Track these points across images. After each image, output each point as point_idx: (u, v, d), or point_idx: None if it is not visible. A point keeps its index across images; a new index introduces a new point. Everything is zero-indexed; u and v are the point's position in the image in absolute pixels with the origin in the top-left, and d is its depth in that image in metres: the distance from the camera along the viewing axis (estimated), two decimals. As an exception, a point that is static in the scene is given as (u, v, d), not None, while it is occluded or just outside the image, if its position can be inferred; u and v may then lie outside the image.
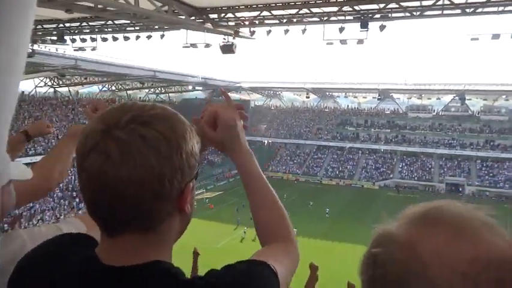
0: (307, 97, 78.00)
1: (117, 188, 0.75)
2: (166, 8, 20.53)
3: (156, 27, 25.02)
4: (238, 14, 22.82)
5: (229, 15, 22.91)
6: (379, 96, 71.74)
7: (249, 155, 1.20)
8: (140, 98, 74.16)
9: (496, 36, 15.77)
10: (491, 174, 57.32)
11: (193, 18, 22.57)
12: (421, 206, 0.66)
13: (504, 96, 68.06)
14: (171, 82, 65.00)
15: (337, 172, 63.09)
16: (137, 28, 25.69)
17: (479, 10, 15.69)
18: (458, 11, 16.08)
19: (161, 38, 25.47)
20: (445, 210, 0.63)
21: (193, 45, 24.50)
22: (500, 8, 15.56)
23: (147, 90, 72.81)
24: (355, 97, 79.82)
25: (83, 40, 26.52)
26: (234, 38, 24.13)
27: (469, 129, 64.88)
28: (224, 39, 24.31)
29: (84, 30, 26.01)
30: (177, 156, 0.79)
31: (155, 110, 0.82)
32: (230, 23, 23.94)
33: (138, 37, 26.04)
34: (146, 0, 17.98)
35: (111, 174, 0.74)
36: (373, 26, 18.88)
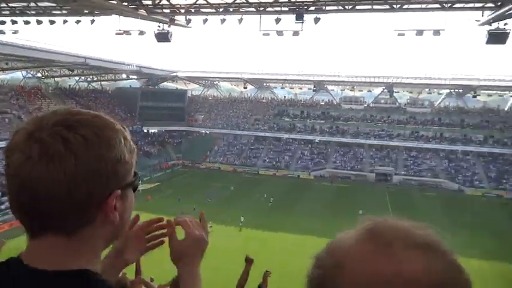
0: (245, 88, 78.22)
1: (34, 187, 0.77)
2: (96, -10, 19.41)
3: (86, 11, 23.55)
4: (173, 1, 22.14)
5: (164, 2, 22.16)
6: (314, 87, 73.91)
7: (199, 277, 1.22)
8: (70, 86, 70.00)
9: (420, 33, 16.87)
10: (416, 164, 61.62)
11: (125, 3, 21.53)
12: (371, 219, 0.70)
13: (427, 90, 73.33)
14: (103, 70, 61.82)
15: (274, 163, 64.26)
16: (64, 12, 23.94)
17: (406, 6, 16.66)
18: (387, 7, 16.95)
19: (91, 23, 23.98)
20: (381, 226, 0.66)
21: (127, 32, 23.36)
22: (424, 5, 16.70)
23: (77, 78, 68.70)
24: (292, 88, 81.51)
25: (2, 22, 24.25)
26: (169, 26, 23.38)
27: (397, 120, 69.13)
28: (159, 26, 23.47)
29: (3, 12, 23.79)
30: (97, 162, 0.80)
31: (84, 116, 0.84)
32: (165, 10, 23.17)
33: (65, 21, 24.33)
34: (73, -18, 16.87)
35: (29, 173, 0.76)
36: (309, 18, 19.28)
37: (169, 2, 22.12)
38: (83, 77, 68.25)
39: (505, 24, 16.28)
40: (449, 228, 34.74)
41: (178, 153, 66.50)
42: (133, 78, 75.01)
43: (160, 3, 22.19)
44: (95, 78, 69.64)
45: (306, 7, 18.69)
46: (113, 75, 69.44)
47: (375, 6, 17.26)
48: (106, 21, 25.30)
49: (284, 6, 19.86)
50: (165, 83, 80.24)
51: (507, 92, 70.55)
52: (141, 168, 55.46)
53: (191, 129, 73.57)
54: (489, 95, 72.33)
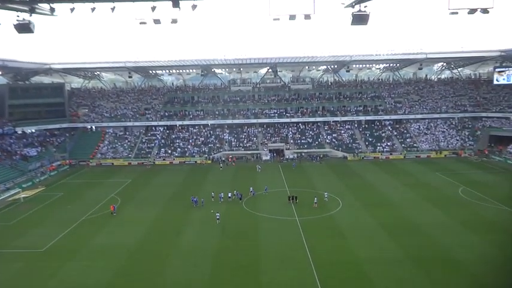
0: (130, 77, 74.59)
1: None
2: None
3: None
4: (32, -12, 19.83)
5: (21, -12, 19.74)
6: (202, 72, 73.57)
7: None
8: None
9: (292, 17, 17.82)
10: (303, 138, 65.80)
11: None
12: None
13: (307, 68, 78.34)
14: (-44, 67, 53.21)
15: (170, 151, 62.97)
16: None
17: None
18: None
19: None
20: None
21: (-23, 24, 20.26)
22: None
23: None
24: (180, 74, 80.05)
25: None
26: (30, 16, 20.94)
27: (283, 98, 72.66)
28: (18, 16, 20.87)
29: None
30: None
31: None
32: (23, -2, 20.65)
33: None
34: None
35: None
36: (186, 4, 18.91)
37: (27, -12, 19.78)
38: None
39: (365, 6, 18.08)
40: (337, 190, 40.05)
41: (63, 152, 61.05)
42: (-3, 74, 66.01)
43: (17, -10, 19.72)
44: None
45: (181, -6, 18.32)
46: (-30, 73, 60.26)
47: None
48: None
49: (158, -8, 19.15)
50: (37, 77, 72.19)
51: (374, 65, 78.95)
52: (19, 174, 49.84)
53: (75, 126, 67.97)
54: (360, 69, 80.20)
